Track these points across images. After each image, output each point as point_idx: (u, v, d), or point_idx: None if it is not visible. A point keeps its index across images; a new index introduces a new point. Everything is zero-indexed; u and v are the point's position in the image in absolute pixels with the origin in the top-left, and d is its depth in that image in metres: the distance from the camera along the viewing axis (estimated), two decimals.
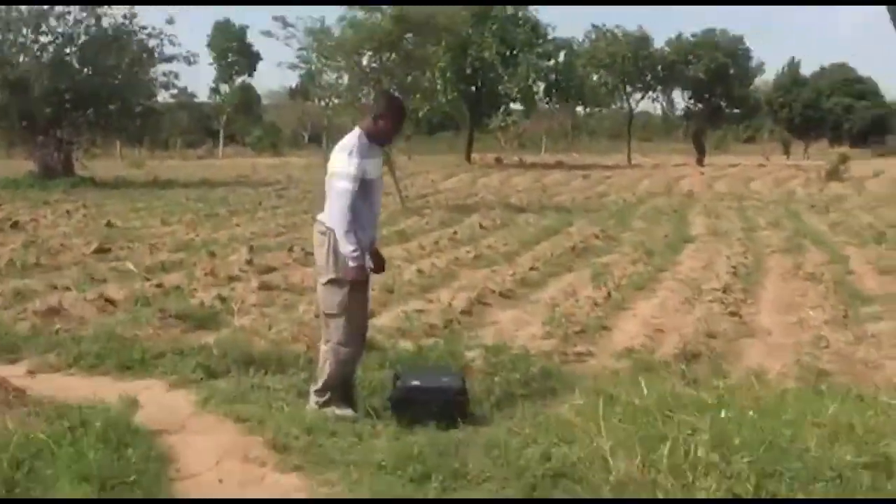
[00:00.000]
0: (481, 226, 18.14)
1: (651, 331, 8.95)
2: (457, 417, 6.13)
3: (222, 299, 9.85)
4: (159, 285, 10.74)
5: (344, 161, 6.16)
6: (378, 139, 6.43)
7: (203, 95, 73.48)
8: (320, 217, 6.42)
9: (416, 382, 6.32)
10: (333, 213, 6.16)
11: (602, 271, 12.48)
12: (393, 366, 7.17)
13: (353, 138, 6.29)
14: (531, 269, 12.54)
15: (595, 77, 52.55)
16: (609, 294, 10.62)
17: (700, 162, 44.76)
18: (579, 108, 61.41)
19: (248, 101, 72.70)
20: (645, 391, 6.22)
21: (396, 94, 6.66)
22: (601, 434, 5.55)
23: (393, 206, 21.69)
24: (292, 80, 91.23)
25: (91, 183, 29.42)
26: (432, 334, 8.64)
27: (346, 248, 6.09)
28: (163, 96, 37.69)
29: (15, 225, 17.16)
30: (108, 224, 17.50)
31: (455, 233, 16.82)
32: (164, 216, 19.44)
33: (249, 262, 12.55)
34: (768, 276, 12.62)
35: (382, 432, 5.96)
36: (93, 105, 31.34)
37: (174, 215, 19.76)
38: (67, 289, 10.54)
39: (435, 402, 6.13)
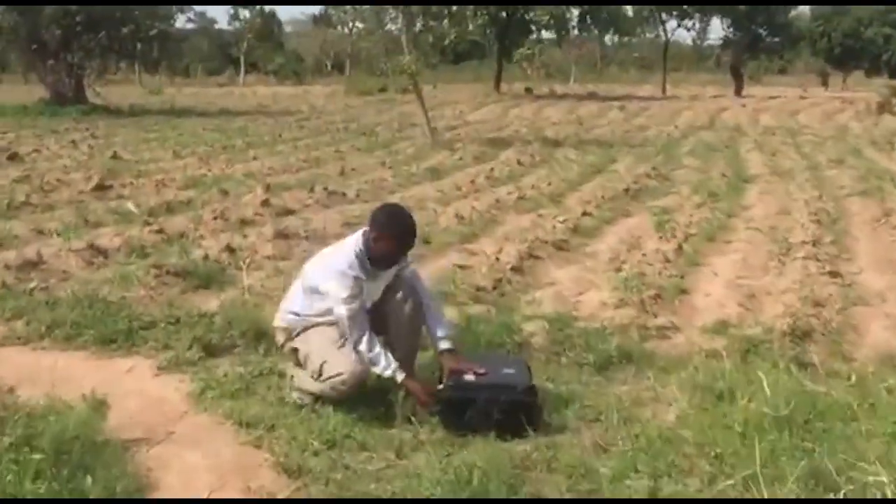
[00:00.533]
0: (519, 162, 16.55)
1: (741, 296, 7.47)
2: (525, 426, 4.70)
3: (231, 250, 8.41)
4: (160, 231, 9.30)
5: (337, 282, 4.90)
6: (375, 262, 5.05)
7: (223, 22, 71.63)
8: (275, 321, 5.31)
9: (470, 377, 4.88)
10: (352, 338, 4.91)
11: (664, 217, 10.96)
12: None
13: (350, 254, 4.98)
14: (583, 214, 11.03)
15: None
16: (679, 247, 9.12)
17: (738, 93, 42.79)
18: (608, 38, 59.29)
19: (269, 27, 70.66)
20: (767, 390, 4.78)
21: (399, 207, 5.28)
22: (725, 462, 4.14)
23: (421, 139, 20.17)
24: (314, 8, 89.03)
25: (104, 111, 27.96)
26: (480, 299, 7.19)
27: (380, 368, 4.91)
28: (181, 21, 35.96)
29: (13, 157, 15.69)
30: (114, 156, 16.02)
31: (492, 170, 15.27)
32: (176, 148, 17.94)
33: (265, 203, 11.10)
34: (854, 224, 11.05)
35: (426, 444, 4.55)
36: (105, 28, 29.60)
37: (187, 147, 18.27)
38: (58, 234, 9.16)
39: (497, 405, 4.68)
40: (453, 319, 6.16)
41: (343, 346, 4.87)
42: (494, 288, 7.52)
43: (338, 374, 4.78)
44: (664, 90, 45.72)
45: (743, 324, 6.66)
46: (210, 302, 6.89)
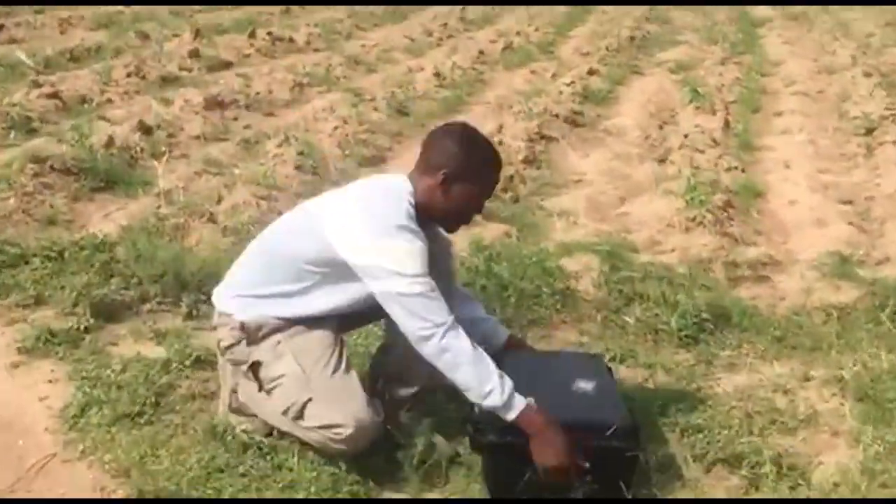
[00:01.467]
0: None
1: (838, 202, 5.59)
2: (621, 488, 2.80)
3: (146, 129, 6.24)
4: (54, 94, 7.07)
5: (398, 245, 2.75)
6: (440, 216, 2.96)
7: None
8: (220, 303, 3.06)
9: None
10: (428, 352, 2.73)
11: (687, 78, 8.95)
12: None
13: (403, 202, 2.84)
14: (589, 72, 8.97)
15: None
16: (726, 123, 7.17)
17: None
18: None
19: None
20: None
21: (474, 131, 3.02)
22: None
23: None
24: None
25: None
26: (492, 213, 5.15)
27: (494, 390, 2.69)
28: None
29: None
30: None
31: (463, 9, 12.99)
32: None
33: (194, 54, 8.88)
34: None
35: None
36: None
37: None
38: None
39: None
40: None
41: (337, 368, 2.88)
42: (505, 190, 5.53)
43: (334, 426, 2.78)
44: None
45: (869, 258, 4.76)
46: (111, 218, 4.81)
